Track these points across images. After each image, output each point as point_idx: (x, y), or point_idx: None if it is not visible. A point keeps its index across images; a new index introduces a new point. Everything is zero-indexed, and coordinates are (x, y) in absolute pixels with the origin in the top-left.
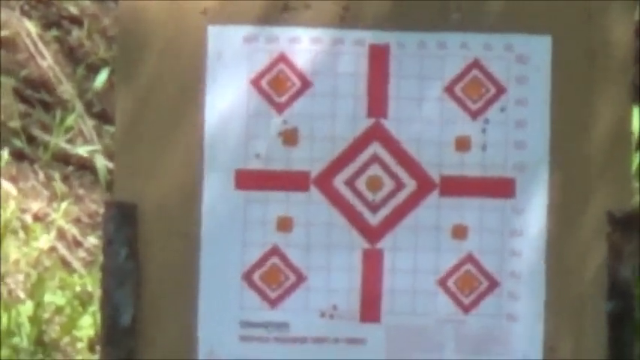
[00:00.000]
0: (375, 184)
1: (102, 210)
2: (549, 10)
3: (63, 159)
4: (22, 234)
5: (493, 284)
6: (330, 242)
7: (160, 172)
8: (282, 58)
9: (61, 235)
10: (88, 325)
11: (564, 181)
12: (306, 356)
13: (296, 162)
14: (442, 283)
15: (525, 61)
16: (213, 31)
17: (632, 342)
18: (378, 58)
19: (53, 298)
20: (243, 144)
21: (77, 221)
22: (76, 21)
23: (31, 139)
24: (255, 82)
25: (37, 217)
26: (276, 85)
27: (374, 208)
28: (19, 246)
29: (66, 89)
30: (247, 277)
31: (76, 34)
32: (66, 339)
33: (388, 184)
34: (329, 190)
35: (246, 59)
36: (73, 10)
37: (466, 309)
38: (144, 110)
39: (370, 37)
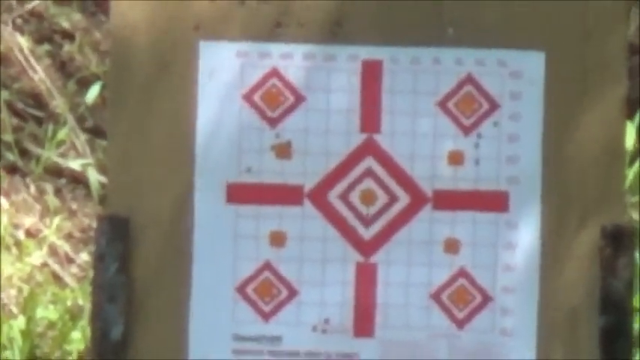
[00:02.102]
0: (368, 198)
1: (94, 224)
2: (543, 26)
3: (55, 172)
4: (14, 250)
5: (486, 299)
6: (324, 256)
7: (152, 186)
8: (275, 73)
9: (53, 251)
10: (78, 339)
11: (557, 196)
12: None
13: (289, 176)
14: (435, 297)
15: (519, 77)
16: (206, 47)
17: (625, 356)
18: (371, 73)
19: (45, 312)
20: (235, 158)
21: (69, 237)
22: (68, 35)
23: (24, 153)
24: (248, 97)
25: (29, 233)
26: (269, 100)
27: (367, 221)
28: (12, 262)
29: (58, 103)
30: (240, 290)
31: (68, 48)
32: (57, 353)
33: (382, 198)
34: (323, 204)
35: (239, 74)
36: (65, 24)
37: (460, 324)
38: (136, 125)
39: (363, 52)
